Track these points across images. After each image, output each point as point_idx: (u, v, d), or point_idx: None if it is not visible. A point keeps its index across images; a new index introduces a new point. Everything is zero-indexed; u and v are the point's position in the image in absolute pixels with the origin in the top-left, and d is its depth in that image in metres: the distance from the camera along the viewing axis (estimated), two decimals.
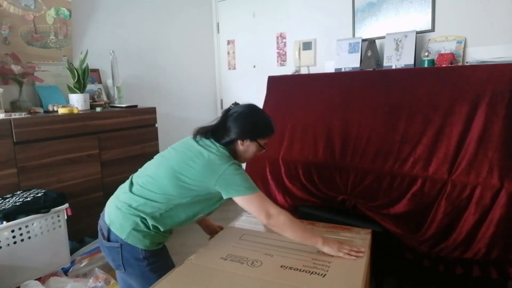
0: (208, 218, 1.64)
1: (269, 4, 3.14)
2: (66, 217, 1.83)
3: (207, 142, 1.36)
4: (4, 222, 1.61)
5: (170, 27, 3.18)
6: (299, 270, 1.22)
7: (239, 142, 1.38)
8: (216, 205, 1.37)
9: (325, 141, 2.10)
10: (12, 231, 1.63)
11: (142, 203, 1.28)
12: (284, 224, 1.28)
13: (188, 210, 1.32)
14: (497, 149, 1.58)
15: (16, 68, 2.09)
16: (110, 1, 2.73)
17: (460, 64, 2.17)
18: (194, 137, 1.40)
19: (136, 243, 1.27)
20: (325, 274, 1.19)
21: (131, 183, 1.38)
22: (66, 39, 2.45)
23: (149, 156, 2.55)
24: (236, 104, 1.46)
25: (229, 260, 1.29)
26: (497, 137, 1.59)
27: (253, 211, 1.28)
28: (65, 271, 1.86)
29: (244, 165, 1.91)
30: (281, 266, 1.24)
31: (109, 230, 1.30)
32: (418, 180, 1.73)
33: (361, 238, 1.50)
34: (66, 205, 1.83)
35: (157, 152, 2.57)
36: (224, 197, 1.30)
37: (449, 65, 2.09)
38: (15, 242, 1.64)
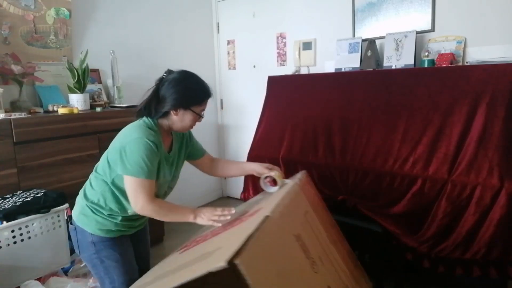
0: (241, 163, 1.70)
1: (269, 4, 3.14)
2: (66, 217, 1.83)
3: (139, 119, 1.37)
4: (4, 222, 1.61)
5: (170, 27, 3.18)
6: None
7: (172, 112, 1.33)
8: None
9: (325, 141, 2.10)
10: (12, 231, 1.63)
11: (88, 189, 1.40)
12: (152, 213, 1.28)
13: (120, 190, 1.33)
14: (497, 149, 1.58)
15: (16, 68, 2.09)
16: (110, 1, 2.73)
17: (460, 64, 2.17)
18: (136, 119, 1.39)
19: (84, 225, 1.37)
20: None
21: None
22: (66, 39, 2.45)
23: None
24: (169, 72, 1.39)
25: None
26: (497, 137, 1.59)
27: (128, 193, 1.28)
28: (65, 271, 1.86)
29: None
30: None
31: (71, 215, 1.45)
32: (418, 180, 1.73)
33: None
34: (66, 205, 1.83)
35: None
36: (118, 172, 1.29)
37: (449, 65, 2.09)
38: (15, 242, 1.64)
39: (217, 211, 1.29)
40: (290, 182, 1.46)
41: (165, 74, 1.38)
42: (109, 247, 1.37)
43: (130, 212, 1.38)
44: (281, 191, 1.38)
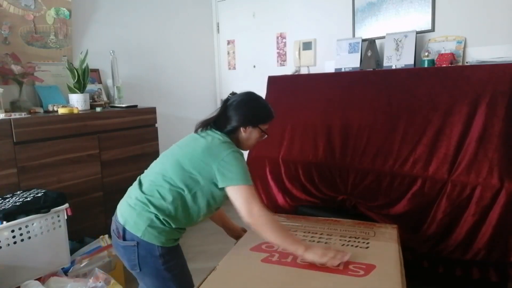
0: (230, 220, 1.68)
1: (269, 4, 3.14)
2: (66, 217, 1.83)
3: (210, 132, 1.39)
4: (4, 222, 1.61)
5: (170, 27, 3.18)
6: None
7: (241, 129, 1.40)
8: (222, 197, 1.35)
9: (325, 141, 2.10)
10: (12, 231, 1.63)
11: (154, 200, 1.29)
12: (264, 225, 1.24)
13: (197, 203, 1.32)
14: (497, 149, 1.58)
15: (16, 68, 2.09)
16: (110, 1, 2.73)
17: (460, 64, 2.17)
18: (196, 131, 1.43)
19: (152, 240, 1.27)
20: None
21: (140, 183, 1.38)
22: (66, 39, 2.45)
23: (149, 156, 2.57)
24: (233, 93, 1.49)
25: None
26: (497, 137, 1.59)
27: (238, 204, 1.25)
28: (65, 271, 1.86)
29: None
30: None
31: (124, 229, 1.29)
32: (418, 180, 1.73)
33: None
34: (66, 205, 1.82)
35: (157, 152, 2.58)
36: (219, 185, 1.28)
37: (449, 65, 2.09)
38: (15, 242, 1.64)
39: (332, 251, 1.23)
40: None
41: (230, 96, 1.48)
42: (175, 256, 1.34)
43: (189, 226, 1.37)
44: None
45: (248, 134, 1.42)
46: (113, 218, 1.39)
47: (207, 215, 1.42)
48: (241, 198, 1.25)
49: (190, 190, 1.29)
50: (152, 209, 1.28)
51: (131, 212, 1.30)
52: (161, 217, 1.27)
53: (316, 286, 1.13)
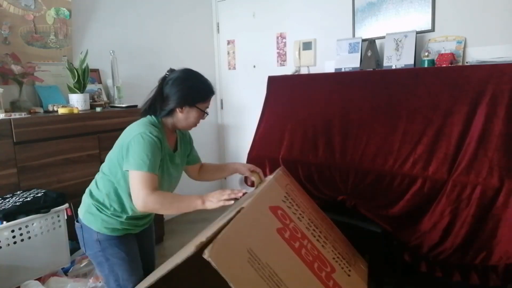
0: (218, 165, 1.74)
1: (269, 4, 3.14)
2: (66, 217, 1.83)
3: (141, 118, 1.39)
4: (4, 222, 1.61)
5: (170, 27, 3.18)
6: None
7: (177, 110, 1.36)
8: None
9: (325, 141, 2.10)
10: (12, 231, 1.63)
11: (93, 188, 1.43)
12: (154, 205, 1.23)
13: (126, 190, 1.34)
14: (497, 149, 1.58)
15: (16, 68, 2.09)
16: (110, 1, 2.73)
17: (460, 64, 2.16)
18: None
19: (89, 223, 1.39)
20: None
21: None
22: (66, 39, 2.45)
23: None
24: (172, 70, 1.42)
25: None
26: (497, 137, 1.59)
27: (131, 187, 1.26)
28: (65, 271, 1.86)
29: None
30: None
31: (77, 214, 1.47)
32: (418, 180, 1.73)
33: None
34: (66, 205, 1.83)
35: None
36: (123, 168, 1.29)
37: (449, 65, 2.09)
38: (15, 242, 1.64)
39: (225, 192, 1.23)
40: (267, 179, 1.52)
41: (167, 73, 1.41)
42: (114, 245, 1.38)
43: (131, 213, 1.38)
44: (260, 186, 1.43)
45: (185, 114, 1.36)
46: None
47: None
48: (132, 184, 1.26)
49: (115, 175, 1.35)
50: (90, 196, 1.40)
51: (83, 198, 1.47)
52: (95, 204, 1.38)
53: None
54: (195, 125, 1.43)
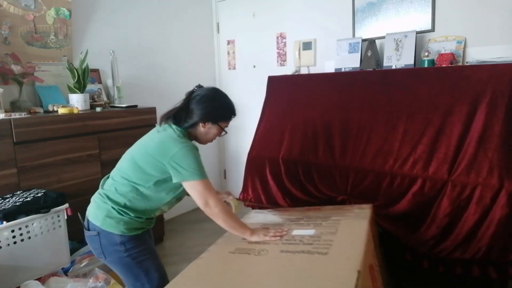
0: None
1: (269, 4, 3.14)
2: (66, 217, 1.83)
3: (167, 127, 1.42)
4: (4, 222, 1.61)
5: (170, 27, 3.18)
6: (300, 252, 1.27)
7: (200, 124, 1.42)
8: (181, 189, 1.41)
9: (325, 141, 2.10)
10: (12, 231, 1.63)
11: (111, 193, 1.39)
12: (217, 215, 1.36)
13: (154, 195, 1.38)
14: (497, 149, 1.58)
15: (16, 68, 2.09)
16: (110, 1, 2.73)
17: (460, 64, 2.17)
18: (160, 124, 1.46)
19: (111, 228, 1.36)
20: (326, 252, 1.23)
21: (107, 178, 1.49)
22: (66, 39, 2.45)
23: None
24: (199, 86, 1.50)
25: (237, 253, 1.35)
26: (497, 137, 1.59)
27: (194, 196, 1.35)
28: (65, 271, 1.86)
29: (243, 165, 1.93)
30: (281, 251, 1.30)
31: (88, 221, 1.42)
32: (418, 180, 1.73)
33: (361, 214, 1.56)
34: (66, 205, 1.83)
35: None
36: (174, 181, 1.34)
37: (449, 65, 2.09)
38: (15, 242, 1.64)
39: (271, 231, 1.44)
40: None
41: (195, 88, 1.50)
42: (138, 244, 1.40)
43: (152, 215, 1.44)
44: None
45: (207, 129, 1.45)
46: None
47: (170, 205, 1.47)
48: (196, 192, 1.33)
49: (145, 184, 1.36)
50: (109, 201, 1.37)
51: (92, 204, 1.44)
52: (117, 208, 1.36)
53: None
54: (211, 141, 1.52)
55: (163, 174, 1.35)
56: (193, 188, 1.34)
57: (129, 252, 1.37)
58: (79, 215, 1.55)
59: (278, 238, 1.40)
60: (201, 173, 1.33)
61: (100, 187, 1.48)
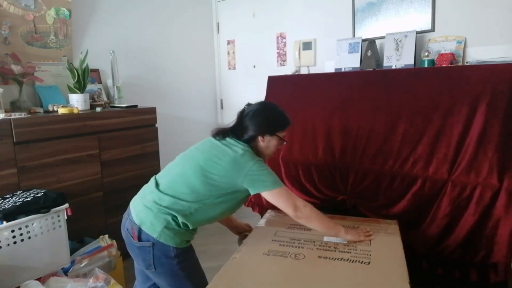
0: (234, 217, 1.71)
1: (269, 4, 3.14)
2: (66, 217, 1.83)
3: (230, 140, 1.41)
4: (4, 222, 1.61)
5: (170, 27, 3.18)
6: (339, 259, 1.29)
7: (259, 138, 1.43)
8: (242, 202, 1.43)
9: (325, 141, 2.10)
10: (12, 231, 1.63)
11: (172, 202, 1.31)
12: (310, 216, 1.37)
13: (216, 207, 1.36)
14: (497, 149, 1.58)
15: (16, 68, 2.09)
16: (110, 1, 2.73)
17: (460, 64, 2.16)
18: (214, 137, 1.45)
19: (167, 241, 1.30)
20: (369, 262, 1.25)
21: (157, 183, 1.40)
22: (66, 39, 2.45)
23: (149, 156, 2.57)
24: (249, 104, 1.52)
25: (272, 255, 1.34)
26: (497, 137, 1.59)
27: (281, 204, 1.35)
28: (65, 271, 1.86)
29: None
30: (319, 257, 1.32)
31: (140, 230, 1.32)
32: (418, 180, 1.73)
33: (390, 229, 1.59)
34: (66, 205, 1.82)
35: (157, 152, 2.58)
36: (252, 193, 1.35)
37: (449, 65, 2.09)
38: (15, 242, 1.64)
39: (363, 230, 1.49)
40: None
41: (245, 107, 1.51)
42: (188, 257, 1.38)
43: (210, 223, 1.43)
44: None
45: (267, 142, 1.45)
46: (126, 216, 1.42)
47: (222, 218, 1.49)
48: (282, 200, 1.35)
49: (212, 195, 1.33)
50: (170, 211, 1.30)
51: (147, 213, 1.32)
52: (177, 219, 1.30)
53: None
54: (273, 154, 1.52)
55: (234, 187, 1.34)
56: (278, 196, 1.35)
57: (181, 264, 1.33)
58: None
59: (373, 238, 1.45)
60: (280, 181, 1.36)
61: (149, 193, 1.38)
